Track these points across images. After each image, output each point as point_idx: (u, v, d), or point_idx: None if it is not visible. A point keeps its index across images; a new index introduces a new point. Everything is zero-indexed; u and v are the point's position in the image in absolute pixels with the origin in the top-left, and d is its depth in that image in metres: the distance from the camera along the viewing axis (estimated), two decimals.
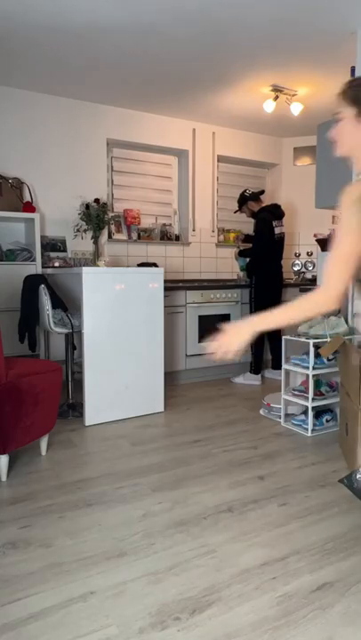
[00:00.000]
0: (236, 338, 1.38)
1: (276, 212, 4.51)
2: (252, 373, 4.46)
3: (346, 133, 1.41)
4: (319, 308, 1.31)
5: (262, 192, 4.67)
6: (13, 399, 2.38)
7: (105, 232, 4.71)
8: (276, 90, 4.22)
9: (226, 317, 4.63)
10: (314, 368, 3.03)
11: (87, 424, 3.24)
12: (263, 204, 4.58)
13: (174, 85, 4.20)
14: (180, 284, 4.50)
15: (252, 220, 4.60)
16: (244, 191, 4.64)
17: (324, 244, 4.12)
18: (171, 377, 4.35)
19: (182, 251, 5.24)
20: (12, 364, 2.50)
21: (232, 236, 5.50)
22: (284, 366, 3.29)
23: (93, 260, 4.48)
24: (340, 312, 3.21)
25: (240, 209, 4.69)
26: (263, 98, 4.36)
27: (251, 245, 4.61)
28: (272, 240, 4.42)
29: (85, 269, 3.15)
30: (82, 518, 2.09)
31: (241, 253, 4.69)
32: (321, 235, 4.43)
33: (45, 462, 2.66)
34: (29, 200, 4.17)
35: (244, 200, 4.61)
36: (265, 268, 4.46)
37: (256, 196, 4.59)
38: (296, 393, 3.20)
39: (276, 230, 4.45)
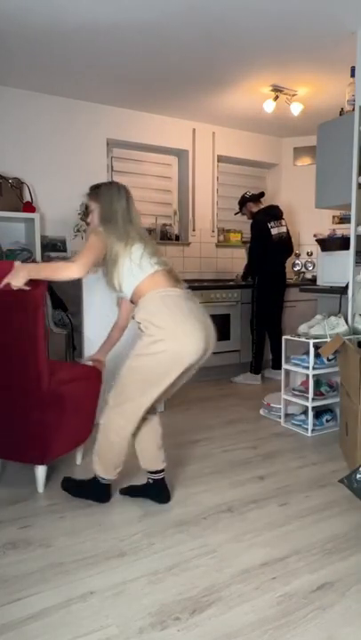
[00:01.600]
0: (17, 279, 1.96)
1: (272, 212, 4.50)
2: (252, 373, 4.46)
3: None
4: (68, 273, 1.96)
5: (262, 194, 4.67)
6: (56, 407, 2.25)
7: None
8: (276, 90, 4.22)
9: (226, 317, 4.63)
10: (314, 368, 3.03)
11: None
12: (262, 206, 4.57)
13: (174, 85, 4.20)
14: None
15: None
16: (245, 193, 4.65)
17: (324, 243, 4.12)
18: None
19: (182, 251, 5.24)
20: (53, 369, 2.32)
21: (232, 236, 5.50)
22: (284, 366, 3.29)
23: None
24: (340, 312, 3.22)
25: (240, 211, 4.69)
26: (263, 98, 4.36)
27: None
28: (269, 241, 4.41)
29: None
30: (82, 518, 2.09)
31: (243, 277, 4.68)
32: (321, 235, 4.43)
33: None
34: (29, 200, 4.17)
35: (243, 201, 4.61)
36: (266, 268, 4.46)
37: (255, 198, 4.59)
38: (296, 393, 3.20)
39: (274, 231, 4.44)
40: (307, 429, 3.09)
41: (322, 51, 3.52)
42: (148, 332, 1.93)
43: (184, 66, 3.79)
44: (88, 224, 2.18)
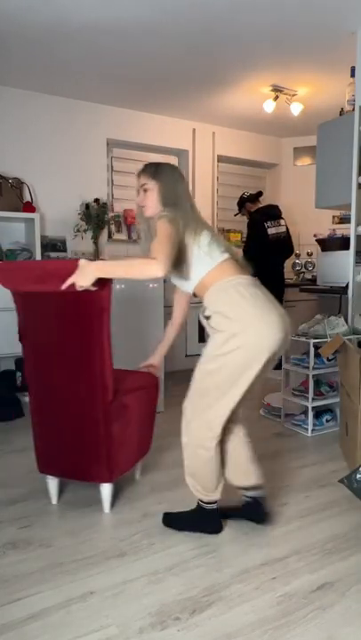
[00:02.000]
0: (85, 278, 1.74)
1: (269, 212, 4.49)
2: None
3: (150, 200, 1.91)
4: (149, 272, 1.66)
5: (260, 194, 4.66)
6: (121, 419, 2.07)
7: (105, 232, 4.71)
8: (276, 90, 4.22)
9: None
10: (314, 368, 3.03)
11: None
12: (260, 205, 4.56)
13: (174, 85, 4.20)
14: None
15: None
16: (243, 194, 4.64)
17: (324, 244, 4.12)
18: (171, 377, 4.35)
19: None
20: (115, 377, 2.09)
21: (232, 236, 5.50)
22: (284, 366, 3.28)
23: (93, 260, 4.48)
24: (340, 312, 3.21)
25: (240, 211, 4.68)
26: (263, 98, 4.36)
27: None
28: (265, 241, 4.39)
29: None
30: (82, 518, 2.09)
31: None
32: (321, 235, 4.43)
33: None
34: (29, 200, 4.16)
35: (242, 202, 4.61)
36: (262, 268, 4.45)
37: (253, 198, 4.58)
38: (296, 393, 3.20)
39: (271, 230, 4.42)
40: (307, 429, 3.09)
41: (322, 51, 3.52)
42: (220, 327, 1.74)
43: (184, 66, 3.79)
44: (141, 207, 1.94)
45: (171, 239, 1.70)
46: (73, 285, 1.75)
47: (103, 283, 1.82)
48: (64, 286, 1.76)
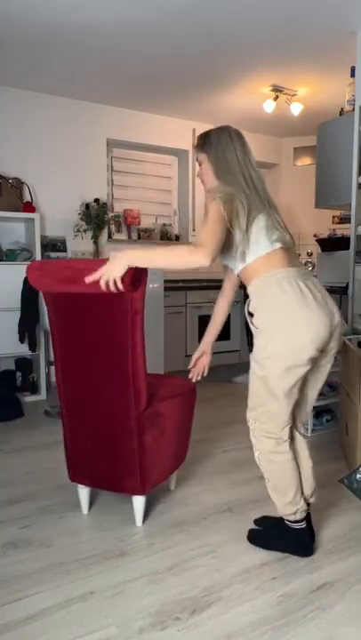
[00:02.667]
0: (115, 267, 1.59)
1: None
2: None
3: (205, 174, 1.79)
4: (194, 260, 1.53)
5: None
6: (155, 429, 1.97)
7: (105, 232, 4.71)
8: (276, 90, 4.22)
9: (226, 317, 4.62)
10: None
11: None
12: None
13: (174, 85, 4.19)
14: (180, 284, 4.50)
15: None
16: None
17: (324, 244, 4.11)
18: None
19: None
20: (150, 383, 2.00)
21: None
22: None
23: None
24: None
25: None
26: (263, 98, 4.35)
27: None
28: None
29: None
30: (82, 518, 2.09)
31: None
32: (321, 235, 4.43)
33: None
34: (29, 200, 4.16)
35: None
36: None
37: None
38: None
39: None
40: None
41: (322, 51, 3.52)
42: (262, 326, 1.64)
43: (184, 66, 3.79)
44: (205, 186, 1.79)
45: (221, 224, 1.56)
46: (98, 284, 1.61)
47: (137, 284, 1.71)
48: (89, 280, 1.62)
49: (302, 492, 1.79)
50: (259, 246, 1.66)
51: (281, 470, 1.75)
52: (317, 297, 1.64)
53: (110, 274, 1.60)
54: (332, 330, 1.65)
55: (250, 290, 1.70)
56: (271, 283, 1.63)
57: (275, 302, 1.62)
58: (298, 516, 1.77)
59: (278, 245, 1.67)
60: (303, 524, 1.79)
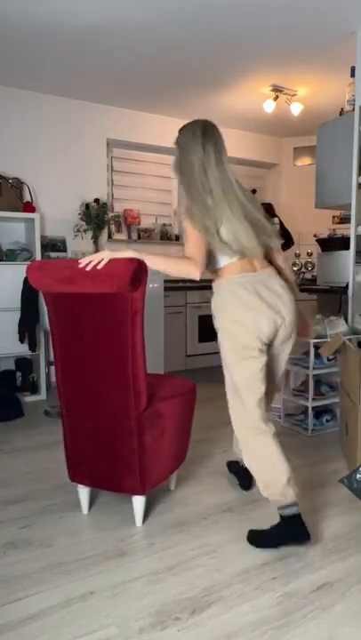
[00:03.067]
0: (117, 253, 1.74)
1: None
2: None
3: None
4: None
5: (253, 191, 4.65)
6: (155, 429, 1.97)
7: (105, 232, 4.71)
8: (276, 90, 4.22)
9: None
10: (314, 368, 3.03)
11: None
12: None
13: (174, 85, 4.20)
14: (180, 284, 4.50)
15: None
16: None
17: (324, 244, 4.12)
18: None
19: (182, 251, 5.23)
20: (150, 383, 2.01)
21: None
22: (285, 366, 3.28)
23: None
24: (340, 312, 3.22)
25: None
26: (263, 98, 4.36)
27: None
28: None
29: None
30: (82, 518, 2.09)
31: None
32: (321, 235, 4.43)
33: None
34: (29, 200, 4.16)
35: None
36: None
37: None
38: (296, 393, 3.20)
39: None
40: (307, 429, 3.09)
41: (322, 51, 3.52)
42: (218, 325, 1.86)
43: (184, 66, 3.79)
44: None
45: (200, 240, 1.74)
46: (98, 284, 1.73)
47: (136, 285, 1.77)
48: (83, 262, 1.73)
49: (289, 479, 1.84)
50: (220, 258, 1.83)
51: (264, 457, 1.85)
52: (267, 299, 1.79)
53: (105, 255, 1.74)
54: (277, 327, 1.82)
55: (213, 290, 1.90)
56: (226, 287, 1.82)
57: (225, 304, 1.81)
58: (287, 502, 1.82)
59: (236, 258, 1.82)
60: (295, 509, 1.82)
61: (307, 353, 3.06)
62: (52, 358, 4.10)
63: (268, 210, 4.54)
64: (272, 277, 1.86)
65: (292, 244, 4.74)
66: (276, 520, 1.85)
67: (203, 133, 1.77)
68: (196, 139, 1.76)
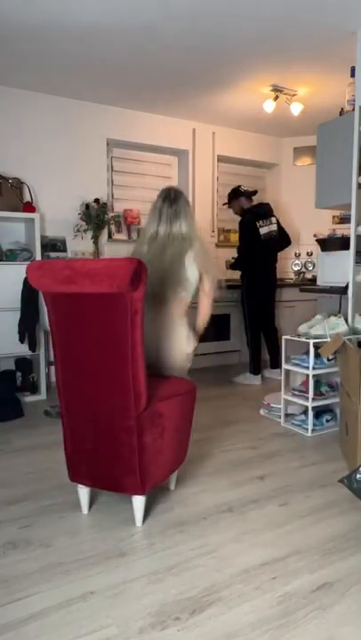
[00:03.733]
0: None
1: (259, 211, 4.44)
2: (251, 374, 4.45)
3: None
4: None
5: (255, 192, 4.63)
6: (155, 429, 1.97)
7: (105, 232, 4.71)
8: (276, 90, 4.22)
9: (226, 317, 4.63)
10: (314, 368, 3.03)
11: None
12: (253, 204, 4.53)
13: (174, 85, 4.20)
14: None
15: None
16: (239, 187, 4.58)
17: (324, 244, 4.11)
18: None
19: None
20: (149, 383, 1.99)
21: (232, 236, 5.50)
22: (284, 366, 3.28)
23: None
24: (340, 312, 3.22)
25: (230, 203, 4.61)
26: (263, 98, 4.36)
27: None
28: (257, 241, 4.36)
29: None
30: (82, 518, 2.09)
31: (232, 266, 4.68)
32: (321, 235, 4.42)
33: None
34: (29, 200, 4.16)
35: (236, 195, 4.54)
36: (253, 268, 4.43)
37: (250, 195, 4.54)
38: (296, 393, 3.20)
39: (263, 230, 4.37)
40: (307, 429, 3.09)
41: (322, 51, 3.52)
42: None
43: (184, 66, 3.79)
44: None
45: None
46: (97, 284, 1.87)
47: (136, 283, 1.74)
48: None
49: None
50: None
51: None
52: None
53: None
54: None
55: None
56: None
57: None
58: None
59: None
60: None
61: (307, 353, 3.06)
62: (51, 358, 4.09)
63: (267, 210, 4.53)
64: None
65: (288, 244, 4.72)
66: (277, 519, 1.85)
67: (162, 201, 2.85)
68: (156, 208, 2.93)
